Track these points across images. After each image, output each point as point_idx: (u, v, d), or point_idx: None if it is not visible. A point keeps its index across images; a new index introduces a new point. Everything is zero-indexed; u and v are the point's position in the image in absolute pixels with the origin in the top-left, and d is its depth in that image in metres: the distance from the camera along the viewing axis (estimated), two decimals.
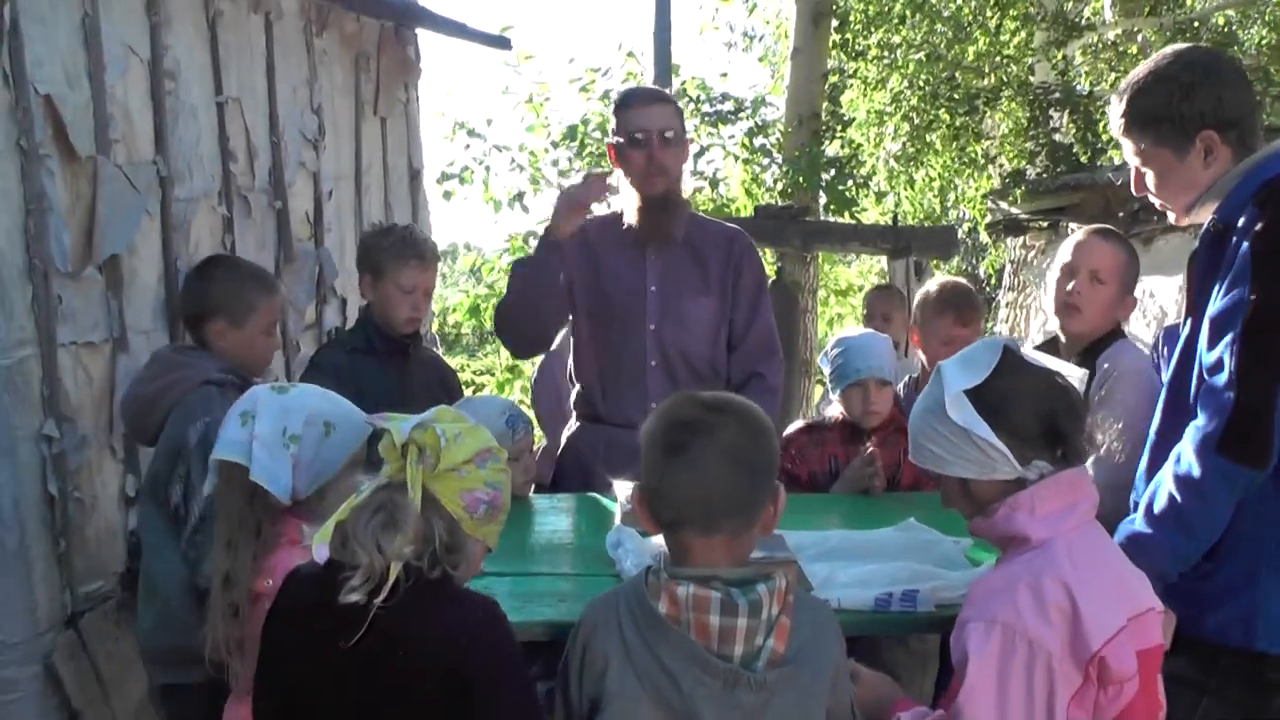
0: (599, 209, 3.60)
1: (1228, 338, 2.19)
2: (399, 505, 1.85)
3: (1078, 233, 3.20)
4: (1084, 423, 2.05)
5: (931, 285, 3.98)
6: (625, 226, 3.47)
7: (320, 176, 4.98)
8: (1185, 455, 2.23)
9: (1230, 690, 2.26)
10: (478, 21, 6.14)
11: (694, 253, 3.50)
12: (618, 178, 3.46)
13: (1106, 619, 1.92)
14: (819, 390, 9.50)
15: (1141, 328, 7.64)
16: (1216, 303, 2.26)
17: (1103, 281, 3.05)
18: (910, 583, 2.33)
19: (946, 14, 10.52)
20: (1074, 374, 2.10)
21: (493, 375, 11.19)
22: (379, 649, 1.83)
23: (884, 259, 11.41)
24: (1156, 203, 2.50)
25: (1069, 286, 3.08)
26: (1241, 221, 2.25)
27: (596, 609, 1.93)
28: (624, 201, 3.47)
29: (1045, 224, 8.86)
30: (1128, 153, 2.48)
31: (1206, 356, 2.25)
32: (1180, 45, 2.51)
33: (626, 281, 3.46)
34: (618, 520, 2.84)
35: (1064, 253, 3.16)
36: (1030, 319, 10.14)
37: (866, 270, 13.47)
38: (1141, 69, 2.45)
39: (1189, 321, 2.40)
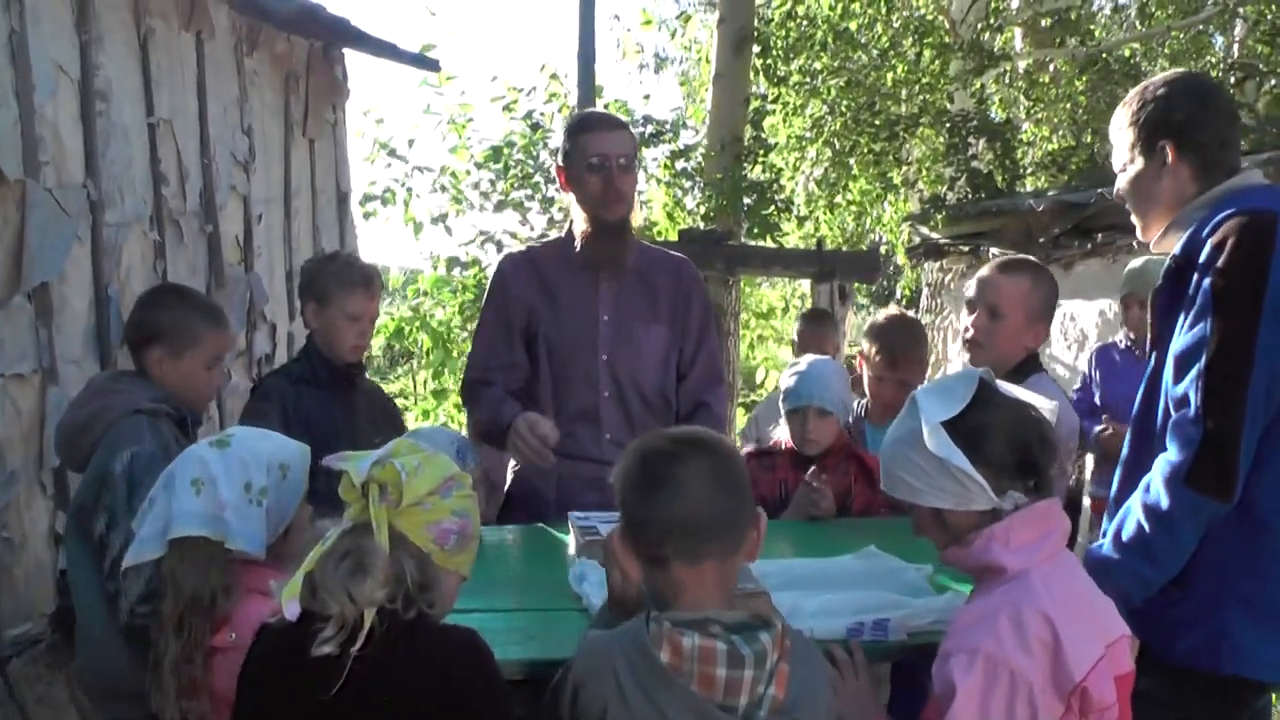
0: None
1: (1192, 373, 2.24)
2: (366, 549, 1.79)
3: (983, 268, 3.24)
4: (1055, 454, 2.08)
5: (879, 316, 4.01)
6: (575, 252, 3.41)
7: (250, 200, 4.87)
8: (1154, 486, 2.26)
9: (1198, 709, 2.30)
10: (397, 43, 6.06)
11: (644, 280, 3.45)
12: (571, 208, 3.42)
13: (1086, 649, 1.93)
14: (741, 414, 9.55)
15: (1062, 349, 7.81)
16: (1181, 337, 2.30)
17: (1002, 315, 3.08)
18: (878, 611, 2.32)
19: (865, 41, 10.69)
20: (1045, 406, 2.13)
21: (406, 398, 11.03)
22: (359, 699, 1.77)
23: (805, 281, 11.56)
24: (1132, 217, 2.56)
25: (969, 321, 3.14)
26: (1202, 257, 2.29)
27: (590, 653, 1.89)
28: (575, 228, 3.42)
29: (966, 248, 9.01)
30: (1114, 158, 2.57)
31: (1173, 390, 2.29)
32: (1186, 71, 2.59)
33: (579, 310, 3.39)
34: (572, 551, 2.81)
35: (968, 287, 3.22)
36: (948, 341, 10.31)
37: (788, 293, 13.58)
38: (1147, 81, 2.54)
39: (1154, 355, 2.44)
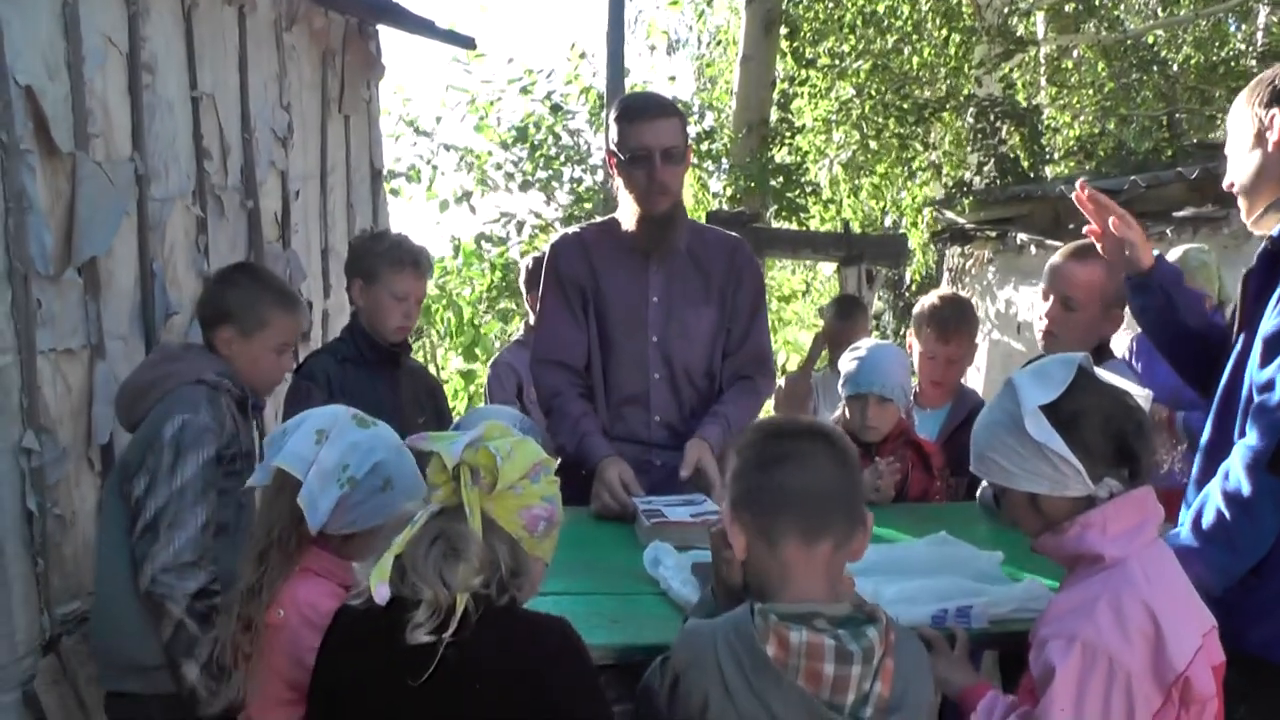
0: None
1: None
2: (459, 533, 1.76)
3: (1056, 253, 3.18)
4: (1151, 443, 2.04)
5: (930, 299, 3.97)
6: (625, 236, 3.35)
7: (289, 176, 4.81)
8: (1234, 472, 2.22)
9: (1265, 701, 2.24)
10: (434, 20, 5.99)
11: (695, 263, 3.40)
12: (621, 200, 3.36)
13: (1187, 638, 1.91)
14: None
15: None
16: (1270, 321, 2.26)
17: (1077, 307, 3.06)
18: (959, 598, 2.30)
19: (892, 24, 10.61)
20: (1140, 394, 2.09)
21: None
22: (453, 686, 1.74)
23: (826, 265, 11.51)
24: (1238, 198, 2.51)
25: (1044, 312, 3.09)
26: None
27: (692, 642, 1.86)
28: (623, 213, 3.36)
29: (993, 234, 8.95)
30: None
31: (1259, 374, 2.25)
32: None
33: (628, 293, 3.35)
34: (639, 535, 2.77)
35: (1044, 274, 3.16)
36: None
37: (810, 277, 13.54)
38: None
39: (1241, 337, 2.40)
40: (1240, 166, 2.47)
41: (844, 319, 5.45)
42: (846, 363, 3.45)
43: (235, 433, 2.83)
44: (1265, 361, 2.23)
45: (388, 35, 5.86)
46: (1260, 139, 2.40)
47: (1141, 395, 2.09)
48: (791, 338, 12.36)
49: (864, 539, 1.89)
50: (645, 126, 3.19)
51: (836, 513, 1.82)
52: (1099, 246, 2.71)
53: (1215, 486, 2.25)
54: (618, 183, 3.34)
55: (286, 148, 4.80)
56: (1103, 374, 2.09)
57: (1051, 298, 3.11)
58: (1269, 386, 2.20)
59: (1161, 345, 2.69)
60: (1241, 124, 2.45)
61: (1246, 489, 2.18)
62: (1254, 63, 11.29)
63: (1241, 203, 2.49)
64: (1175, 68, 11.92)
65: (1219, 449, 2.34)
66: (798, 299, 13.02)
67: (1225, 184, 2.53)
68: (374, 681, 1.80)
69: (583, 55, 10.12)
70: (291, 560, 2.17)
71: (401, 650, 1.73)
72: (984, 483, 2.98)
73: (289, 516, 2.13)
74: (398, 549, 1.75)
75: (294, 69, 4.90)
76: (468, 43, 6.21)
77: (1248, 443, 2.21)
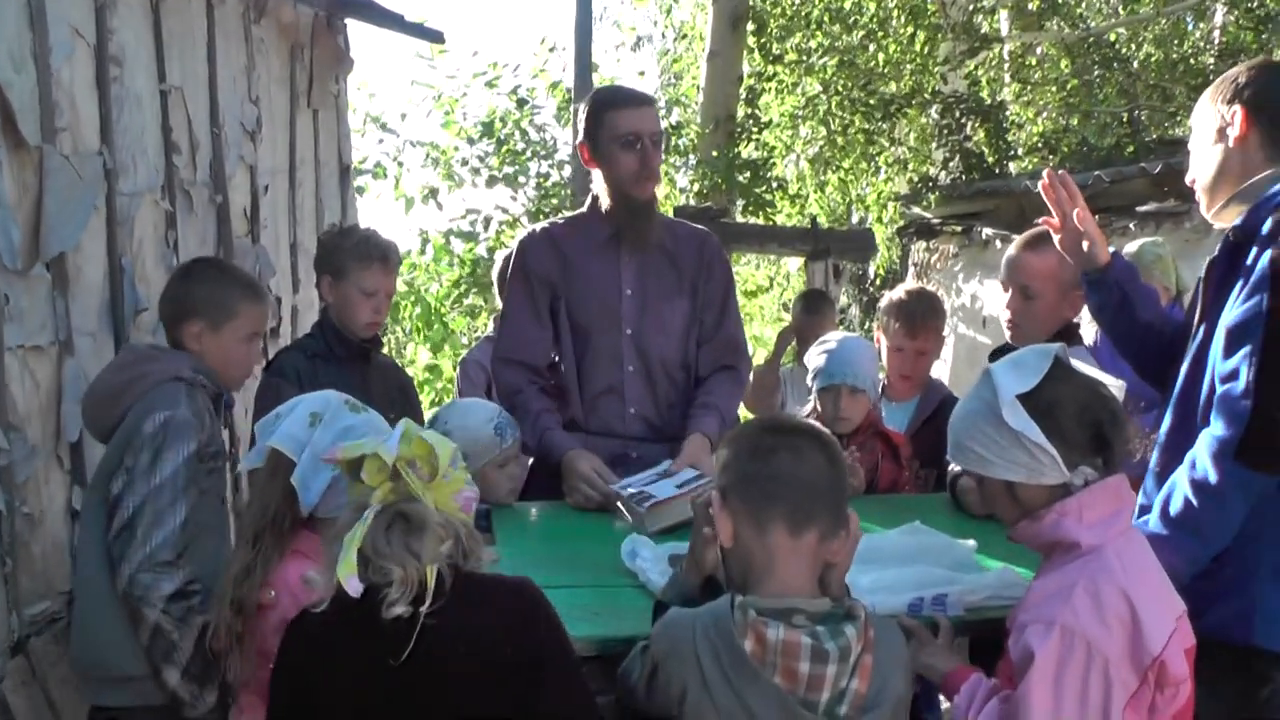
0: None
1: (1245, 348, 2.23)
2: (415, 512, 1.81)
3: (1011, 245, 3.22)
4: (1126, 432, 2.08)
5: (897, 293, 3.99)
6: (598, 228, 3.37)
7: (257, 170, 4.78)
8: (1201, 461, 2.26)
9: (1221, 682, 2.27)
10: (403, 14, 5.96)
11: (667, 256, 3.42)
12: (595, 183, 3.37)
13: (1162, 623, 1.95)
14: None
15: None
16: (1233, 311, 2.30)
17: (1035, 295, 3.10)
18: (934, 587, 2.34)
19: (858, 21, 10.66)
20: (1114, 384, 2.13)
21: None
22: (437, 655, 1.79)
23: (791, 260, 11.55)
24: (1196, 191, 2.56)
25: (1005, 304, 3.14)
26: (1264, 231, 2.29)
27: (671, 633, 1.88)
28: (601, 203, 3.37)
29: (959, 229, 9.02)
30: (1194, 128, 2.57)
31: (1222, 365, 2.28)
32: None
33: (601, 287, 3.36)
34: (629, 519, 2.80)
35: (1001, 267, 3.21)
36: None
37: (774, 272, 13.59)
38: None
39: (1201, 328, 2.43)
40: (1202, 161, 2.52)
41: (811, 313, 5.48)
42: (816, 356, 3.49)
43: (214, 430, 2.81)
44: (1229, 352, 2.27)
45: (353, 30, 5.83)
46: (1222, 135, 2.45)
47: (1115, 386, 2.13)
48: (757, 332, 12.41)
49: (846, 540, 1.91)
50: (636, 113, 3.26)
51: (823, 504, 1.85)
52: (1056, 239, 2.76)
53: (1183, 475, 2.29)
54: (595, 174, 3.35)
55: (255, 142, 4.76)
56: (1078, 364, 2.13)
57: (1011, 289, 3.15)
58: (1233, 376, 2.24)
59: (1119, 342, 2.73)
60: (1205, 120, 2.51)
61: (1214, 477, 2.22)
62: (1211, 60, 11.44)
63: (1202, 196, 2.54)
64: (1136, 65, 12.05)
65: (1180, 439, 2.38)
66: (763, 294, 13.05)
67: (1188, 178, 2.58)
68: (351, 673, 1.82)
69: (552, 49, 10.10)
70: (284, 542, 2.22)
71: (378, 634, 1.76)
72: (952, 468, 3.02)
73: (283, 498, 2.17)
74: (358, 543, 1.78)
75: (262, 62, 4.86)
76: (437, 37, 6.19)
77: (1213, 432, 2.25)
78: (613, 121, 3.24)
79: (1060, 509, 1.99)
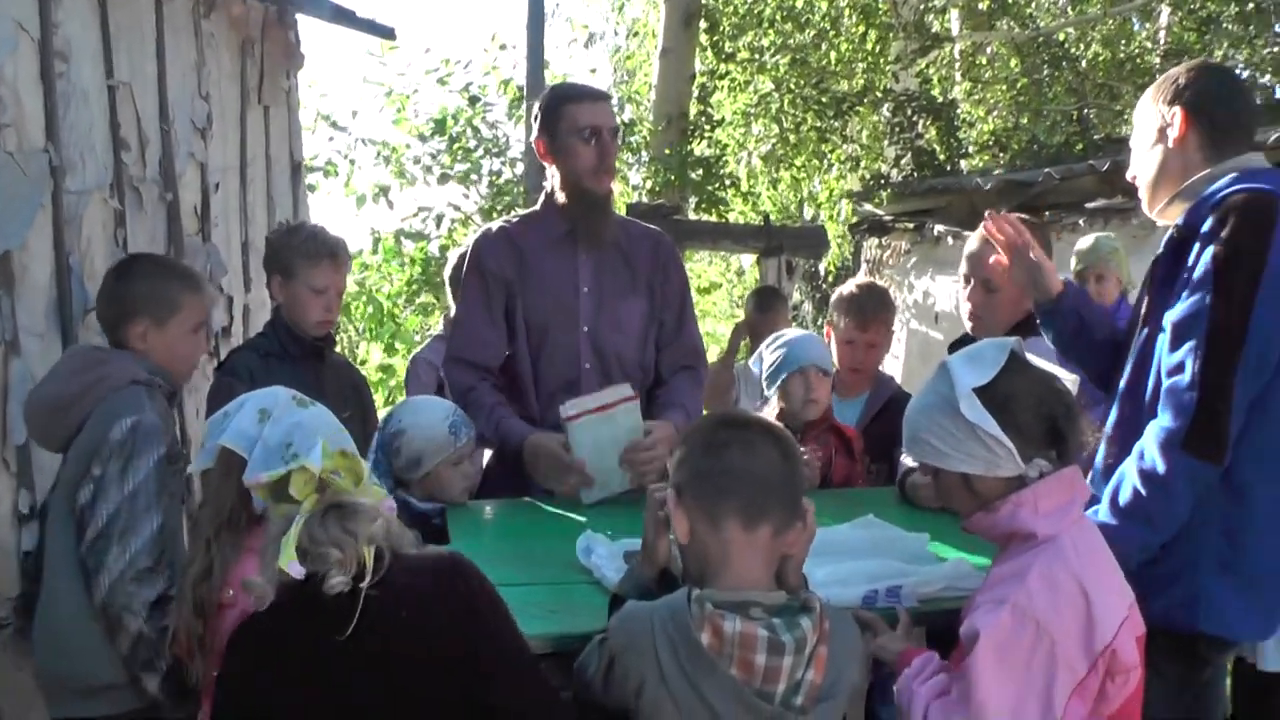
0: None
1: (1190, 342, 2.30)
2: (346, 500, 1.87)
3: (971, 238, 3.25)
4: (1079, 425, 2.11)
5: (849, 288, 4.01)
6: (554, 225, 3.36)
7: (208, 168, 4.72)
8: (1149, 452, 2.31)
9: (1165, 665, 2.32)
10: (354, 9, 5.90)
11: (623, 253, 3.42)
12: (551, 179, 3.37)
13: (1114, 611, 1.98)
14: None
15: None
16: (1178, 307, 2.36)
17: (997, 288, 3.14)
18: (888, 579, 2.36)
19: (810, 19, 10.71)
20: (1068, 378, 2.17)
21: None
22: (381, 625, 1.82)
23: (745, 257, 11.58)
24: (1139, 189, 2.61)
25: (967, 296, 3.18)
26: (1205, 228, 2.35)
27: (627, 627, 1.90)
28: (557, 199, 3.36)
29: (911, 225, 9.10)
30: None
31: (1167, 359, 2.35)
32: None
33: (557, 284, 3.35)
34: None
35: (962, 261, 3.24)
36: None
37: (727, 269, 13.63)
38: None
39: (1147, 324, 2.48)
40: (1143, 160, 2.58)
41: (764, 310, 5.50)
42: (774, 350, 3.50)
43: (176, 431, 2.78)
44: (1174, 346, 2.33)
45: (303, 26, 5.77)
46: (1162, 135, 2.51)
47: (1070, 380, 2.17)
48: (710, 329, 12.43)
49: (801, 533, 1.93)
50: (594, 107, 3.27)
51: (777, 498, 1.87)
52: (1008, 275, 2.83)
53: (1131, 465, 2.35)
54: (550, 170, 3.34)
55: (206, 139, 4.70)
56: (1034, 358, 2.15)
57: (972, 282, 3.19)
58: (1179, 369, 2.31)
59: (1076, 360, 2.76)
60: (1146, 120, 2.56)
61: (1162, 467, 2.28)
62: (1157, 60, 11.62)
63: (1144, 194, 2.60)
64: (1084, 64, 12.20)
65: (1126, 433, 2.44)
66: (716, 290, 13.08)
67: (1129, 175, 2.63)
68: (299, 658, 1.85)
69: (503, 46, 10.05)
70: (240, 540, 2.20)
71: (322, 613, 1.80)
72: (904, 463, 3.05)
73: (238, 497, 2.15)
74: (295, 540, 1.82)
75: (213, 58, 4.80)
76: (387, 33, 6.14)
77: (1161, 423, 2.31)
78: (571, 115, 3.23)
79: (1016, 499, 2.01)
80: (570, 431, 2.98)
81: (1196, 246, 2.35)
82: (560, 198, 3.32)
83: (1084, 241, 5.07)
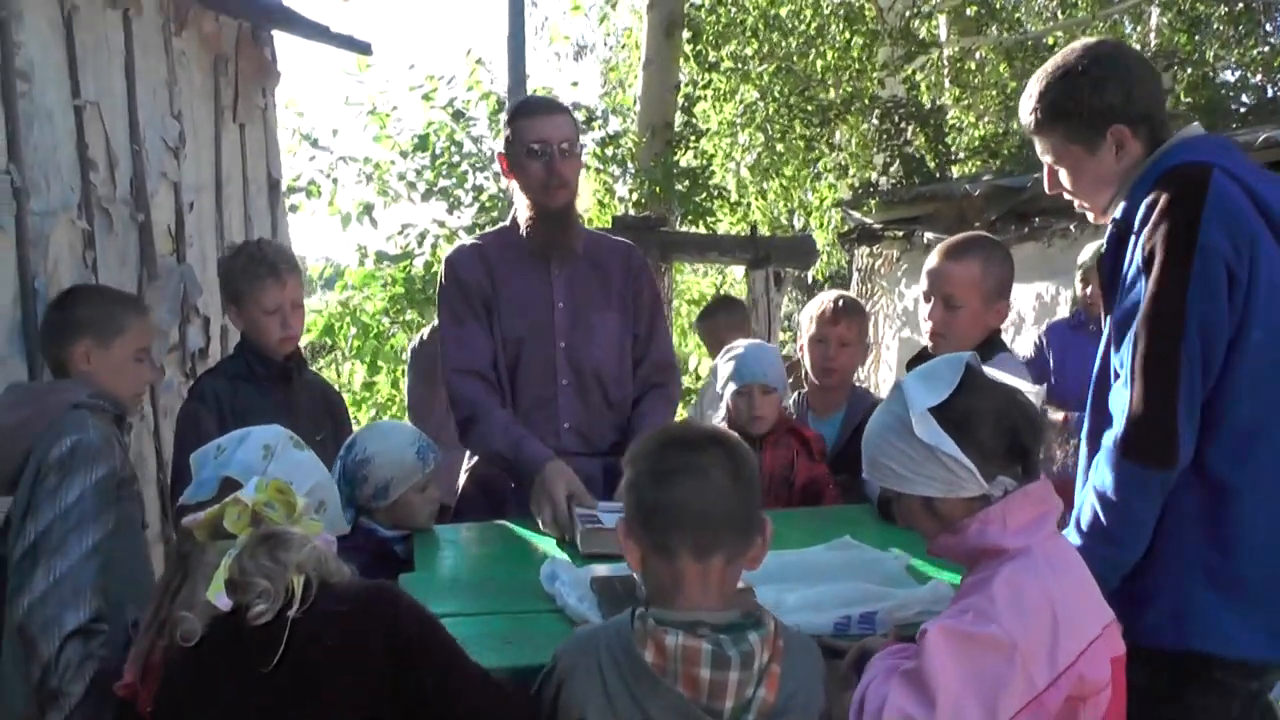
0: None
1: (1128, 339, 2.20)
2: (277, 530, 1.85)
3: (932, 254, 3.17)
4: (1042, 437, 2.05)
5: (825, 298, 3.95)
6: (523, 240, 3.32)
7: (181, 187, 4.67)
8: (1100, 465, 2.23)
9: (1177, 693, 2.23)
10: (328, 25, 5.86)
11: (595, 267, 3.40)
12: (514, 195, 3.33)
13: (1083, 628, 1.90)
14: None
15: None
16: (1119, 304, 2.26)
17: (958, 305, 3.05)
18: (863, 604, 2.29)
19: (794, 27, 10.70)
20: (1030, 390, 2.10)
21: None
22: (303, 654, 1.79)
23: (736, 268, 11.54)
24: (1075, 202, 2.48)
25: (928, 314, 3.10)
26: (1137, 219, 2.23)
27: (575, 651, 1.85)
28: (520, 215, 3.33)
29: (900, 233, 9.07)
30: (1040, 150, 2.46)
31: (1114, 360, 2.26)
32: (1089, 39, 2.46)
33: (532, 299, 3.32)
34: (579, 543, 2.73)
35: (922, 276, 3.16)
36: (879, 325, 10.39)
37: (718, 280, 13.59)
38: (1051, 64, 2.41)
39: (1106, 325, 2.38)
40: (1080, 177, 2.43)
41: (725, 314, 5.40)
42: (724, 363, 3.52)
43: (124, 455, 2.71)
44: (1118, 345, 2.24)
45: (281, 45, 5.73)
46: (1097, 150, 2.35)
47: (1032, 391, 2.09)
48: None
49: (762, 547, 1.88)
50: (542, 121, 3.22)
51: (729, 529, 1.81)
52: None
53: (1090, 484, 2.26)
54: (513, 185, 3.32)
55: (179, 158, 4.66)
56: (992, 372, 2.09)
57: (934, 299, 3.10)
58: (1119, 370, 2.22)
59: None
60: (1053, 135, 2.42)
61: (1109, 479, 2.19)
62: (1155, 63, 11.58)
63: (1086, 205, 2.47)
64: None
65: (1096, 436, 2.33)
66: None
67: (1054, 191, 2.50)
68: (225, 691, 1.82)
69: (479, 61, 10.00)
70: None
71: (248, 645, 1.78)
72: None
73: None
74: (225, 572, 1.79)
75: (184, 75, 4.76)
76: (364, 48, 6.11)
77: (1110, 431, 2.21)
78: (522, 131, 3.21)
79: (983, 518, 1.94)
80: (582, 539, 2.77)
81: (1133, 239, 2.24)
82: (524, 214, 3.30)
83: (1084, 255, 5.01)
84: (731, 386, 3.45)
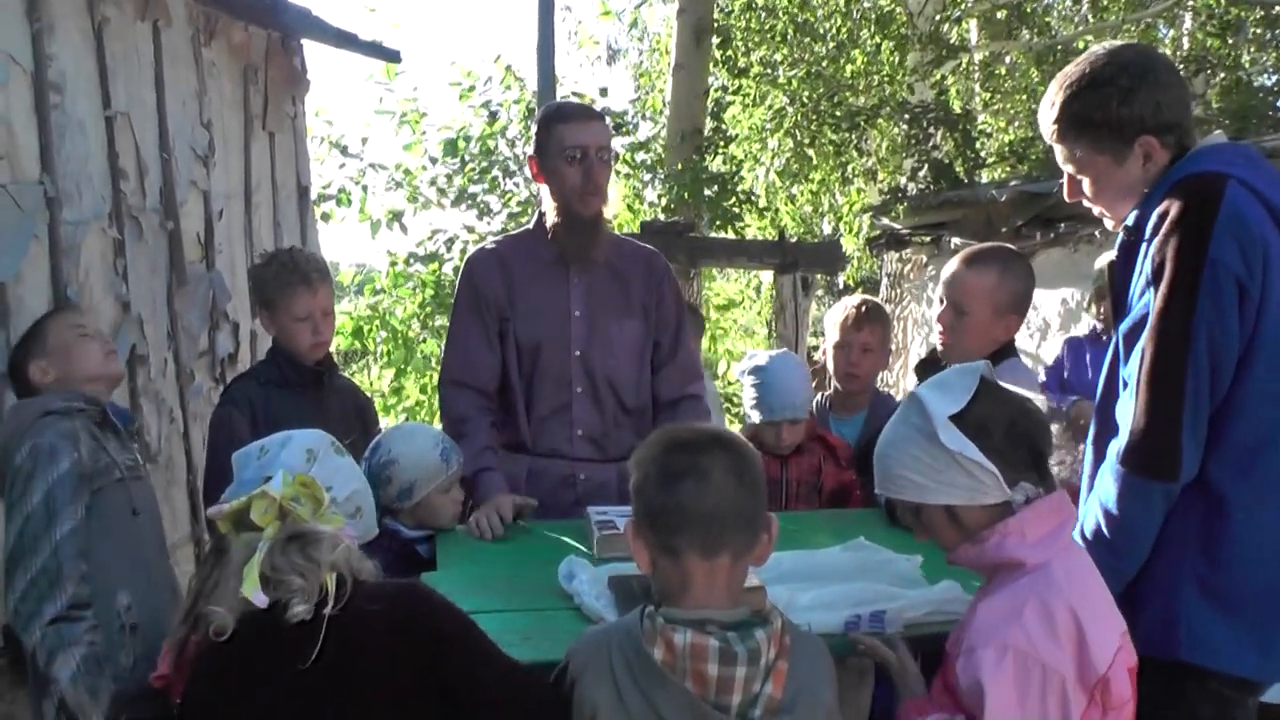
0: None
1: (1136, 350, 2.18)
2: (307, 528, 1.87)
3: (952, 260, 3.17)
4: (1052, 446, 2.05)
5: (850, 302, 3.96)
6: (545, 246, 3.33)
7: (211, 195, 4.74)
8: (1103, 475, 2.22)
9: (1173, 706, 2.20)
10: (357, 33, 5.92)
11: (615, 274, 3.37)
12: (542, 199, 3.34)
13: (1107, 640, 1.91)
14: None
15: (1025, 338, 7.84)
16: (1128, 319, 2.24)
17: (967, 312, 3.04)
18: (874, 603, 2.31)
19: (824, 33, 10.69)
20: (1038, 399, 2.11)
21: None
22: (342, 652, 1.82)
23: (764, 273, 11.54)
24: (1095, 210, 2.44)
25: (938, 317, 3.11)
26: (1148, 228, 2.20)
27: (587, 649, 1.89)
28: (547, 220, 3.33)
29: (927, 239, 9.03)
30: (1061, 158, 2.41)
31: (1122, 371, 2.25)
32: (1113, 44, 2.39)
33: (549, 306, 3.31)
34: (595, 548, 2.75)
35: (940, 282, 3.16)
36: (908, 330, 10.36)
37: (745, 285, 13.59)
38: (1074, 71, 2.34)
39: (1115, 333, 2.36)
40: (1103, 187, 2.39)
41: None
42: (750, 385, 3.51)
43: (99, 449, 2.77)
44: (1126, 357, 2.23)
45: (311, 53, 5.80)
46: (1126, 160, 2.31)
47: (1040, 401, 2.10)
48: (730, 346, 12.37)
49: (768, 545, 1.89)
50: (581, 127, 3.20)
51: (734, 529, 1.83)
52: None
53: (1094, 493, 2.25)
54: (542, 190, 3.32)
55: (208, 166, 4.73)
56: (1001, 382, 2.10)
57: (945, 303, 3.09)
58: (1127, 382, 2.20)
59: None
60: (1078, 145, 2.37)
61: (1112, 489, 2.19)
62: (1180, 68, 11.48)
63: (1107, 213, 2.44)
64: None
65: (1101, 449, 2.32)
66: (734, 308, 13.04)
67: (1075, 199, 2.47)
68: (263, 687, 1.84)
69: (508, 68, 10.04)
70: None
71: (285, 642, 1.81)
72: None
73: None
74: (258, 567, 1.82)
75: (214, 85, 4.83)
76: (393, 56, 6.17)
77: (1115, 442, 2.20)
78: (559, 135, 3.19)
79: (1002, 529, 1.94)
80: (599, 544, 2.77)
81: (1144, 248, 2.20)
82: (551, 219, 3.29)
83: (1100, 261, 4.98)
84: (758, 416, 3.46)
